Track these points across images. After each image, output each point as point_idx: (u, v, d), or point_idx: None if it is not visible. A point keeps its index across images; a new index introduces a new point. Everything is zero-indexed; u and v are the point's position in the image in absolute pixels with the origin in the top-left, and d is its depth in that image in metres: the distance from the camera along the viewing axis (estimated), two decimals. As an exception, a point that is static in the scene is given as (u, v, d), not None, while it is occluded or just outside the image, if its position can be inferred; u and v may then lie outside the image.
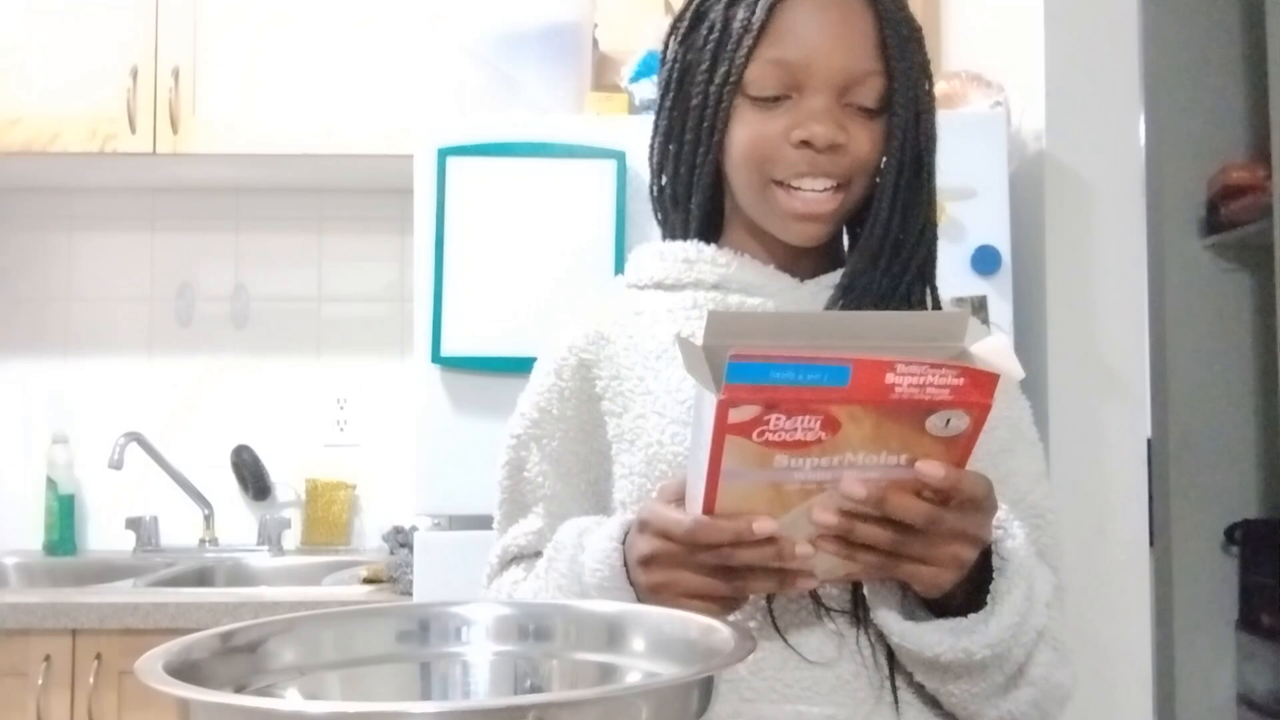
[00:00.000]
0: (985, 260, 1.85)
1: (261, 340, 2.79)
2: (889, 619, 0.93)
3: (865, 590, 0.95)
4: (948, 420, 0.77)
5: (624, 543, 0.92)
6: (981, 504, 0.85)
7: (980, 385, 0.77)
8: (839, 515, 0.82)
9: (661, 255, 1.08)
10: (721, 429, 0.76)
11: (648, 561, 0.88)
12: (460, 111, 1.98)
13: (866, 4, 0.98)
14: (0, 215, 2.78)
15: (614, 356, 1.06)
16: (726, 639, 0.67)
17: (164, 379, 2.77)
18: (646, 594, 0.89)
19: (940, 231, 1.06)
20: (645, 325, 1.06)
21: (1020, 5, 2.01)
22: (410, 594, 1.97)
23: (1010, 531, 0.93)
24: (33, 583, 2.55)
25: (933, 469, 0.80)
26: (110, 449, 2.57)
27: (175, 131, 2.40)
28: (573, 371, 1.07)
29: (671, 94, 1.05)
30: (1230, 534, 2.97)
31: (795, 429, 0.76)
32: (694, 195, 1.04)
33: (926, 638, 0.92)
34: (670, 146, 1.05)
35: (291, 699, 0.70)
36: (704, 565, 0.85)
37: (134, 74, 2.39)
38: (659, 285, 1.08)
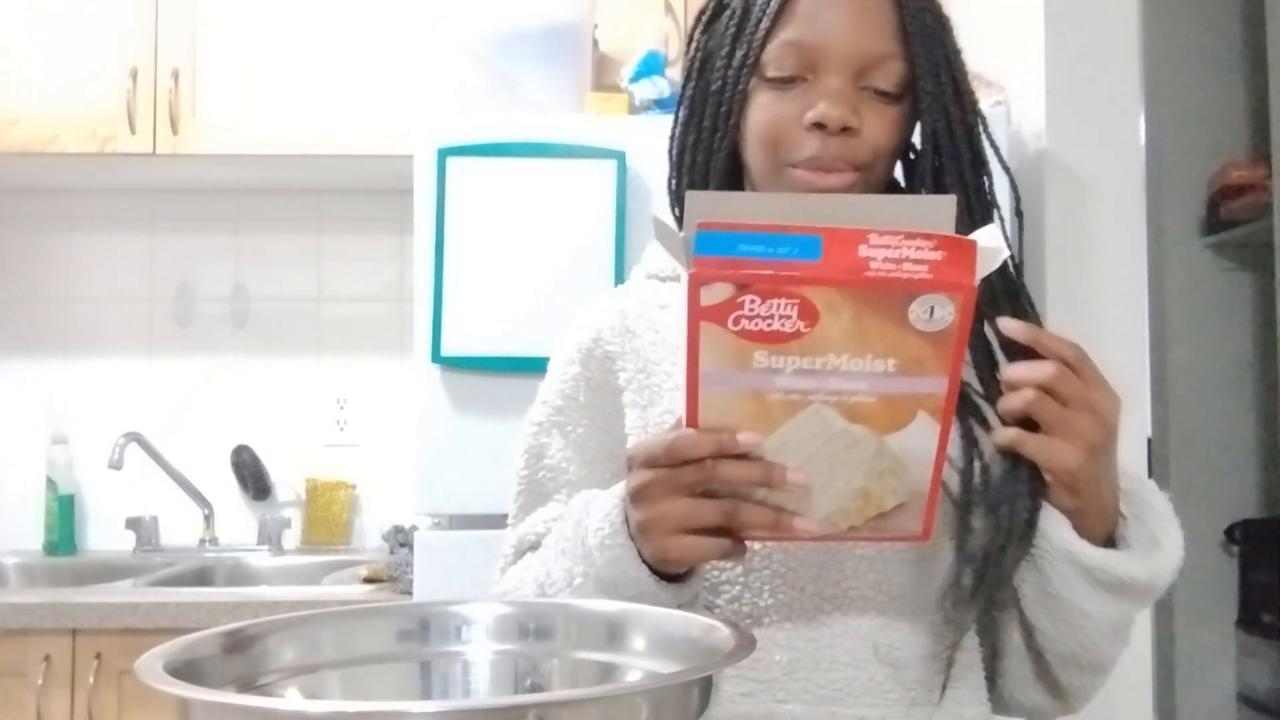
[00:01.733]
0: (985, 260, 1.85)
1: (261, 340, 2.79)
2: (1082, 546, 0.92)
3: (1041, 519, 0.92)
4: (931, 309, 0.73)
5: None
6: (1081, 369, 0.86)
7: (959, 259, 0.72)
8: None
9: None
10: (695, 313, 0.73)
11: (636, 497, 0.85)
12: (460, 111, 1.98)
13: None
14: (0, 215, 2.78)
15: (640, 350, 1.05)
16: (726, 638, 0.67)
17: (163, 379, 2.77)
18: (639, 538, 0.86)
19: None
20: (671, 319, 1.04)
21: (1020, 5, 2.01)
22: (410, 593, 1.97)
23: (1143, 480, 0.97)
24: (33, 583, 2.55)
25: (1011, 323, 0.85)
26: (110, 449, 2.57)
27: (175, 132, 2.40)
28: (598, 362, 1.07)
29: (693, 82, 1.04)
30: (1230, 534, 2.97)
31: (771, 316, 0.73)
32: (710, 182, 1.02)
33: (1120, 562, 0.93)
34: (689, 136, 1.04)
35: (291, 698, 0.70)
36: (689, 488, 0.82)
37: (133, 75, 2.39)
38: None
